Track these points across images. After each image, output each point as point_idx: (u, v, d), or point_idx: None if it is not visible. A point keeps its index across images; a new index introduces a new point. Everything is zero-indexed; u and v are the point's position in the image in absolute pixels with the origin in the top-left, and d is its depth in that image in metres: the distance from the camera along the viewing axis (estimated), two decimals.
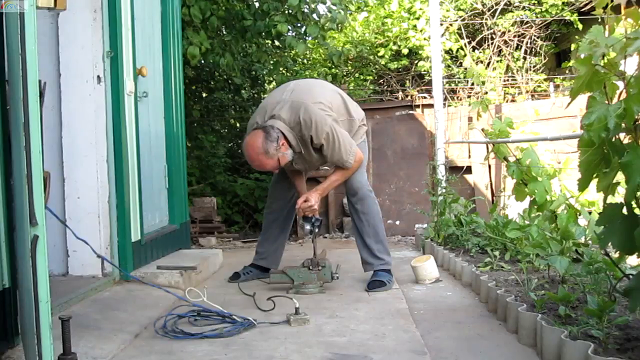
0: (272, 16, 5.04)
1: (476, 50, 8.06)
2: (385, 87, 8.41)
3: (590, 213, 2.75)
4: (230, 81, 6.48)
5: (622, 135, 1.58)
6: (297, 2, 4.89)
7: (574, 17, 7.70)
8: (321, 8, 5.48)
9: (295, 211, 3.23)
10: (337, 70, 8.30)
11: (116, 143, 2.89)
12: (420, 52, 7.97)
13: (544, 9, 7.93)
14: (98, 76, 2.83)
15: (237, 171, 6.76)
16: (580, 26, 7.56)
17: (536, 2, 7.98)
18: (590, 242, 2.52)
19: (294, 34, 5.34)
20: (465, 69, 7.68)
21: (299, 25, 5.38)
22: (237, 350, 2.03)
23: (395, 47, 8.18)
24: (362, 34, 8.56)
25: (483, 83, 6.54)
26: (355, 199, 3.05)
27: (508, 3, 7.94)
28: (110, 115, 2.88)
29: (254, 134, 2.81)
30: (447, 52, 7.88)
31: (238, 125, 7.35)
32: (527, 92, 7.75)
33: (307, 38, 5.62)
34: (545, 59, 8.09)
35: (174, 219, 3.82)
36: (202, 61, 5.26)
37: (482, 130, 3.55)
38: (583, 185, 1.69)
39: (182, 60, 4.16)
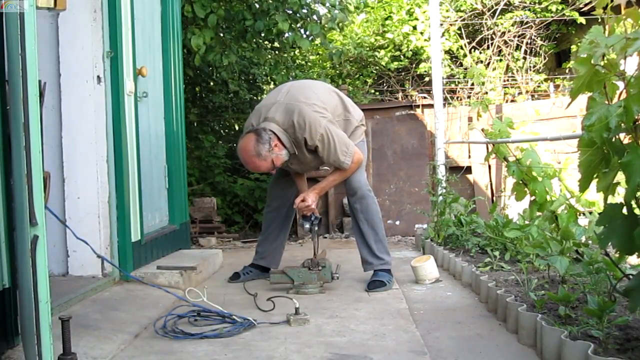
0: (272, 15, 5.05)
1: (476, 51, 8.06)
2: (385, 87, 8.40)
3: (590, 213, 2.75)
4: (227, 83, 6.48)
5: (622, 135, 1.58)
6: (298, 1, 4.90)
7: (574, 14, 7.69)
8: (321, 10, 5.49)
9: (294, 210, 3.24)
10: (335, 71, 8.28)
11: (116, 143, 2.89)
12: (420, 53, 7.97)
13: (543, 7, 7.92)
14: (98, 76, 2.83)
15: (237, 171, 6.75)
16: (583, 21, 7.54)
17: (536, 2, 7.97)
18: (590, 242, 2.52)
19: (293, 33, 5.34)
20: (466, 69, 7.67)
21: (298, 25, 5.39)
22: (237, 350, 2.03)
23: (397, 52, 8.18)
24: (362, 35, 8.55)
25: (483, 83, 6.54)
26: (354, 199, 3.05)
27: (508, 3, 7.94)
28: (110, 115, 2.88)
29: (246, 137, 2.83)
30: (447, 52, 7.88)
31: (237, 126, 7.35)
32: (527, 92, 7.75)
33: (310, 37, 5.62)
34: (545, 59, 8.09)
35: (174, 219, 3.82)
36: (202, 61, 5.23)
37: (482, 130, 3.55)
38: (584, 185, 1.69)
39: (182, 60, 4.16)
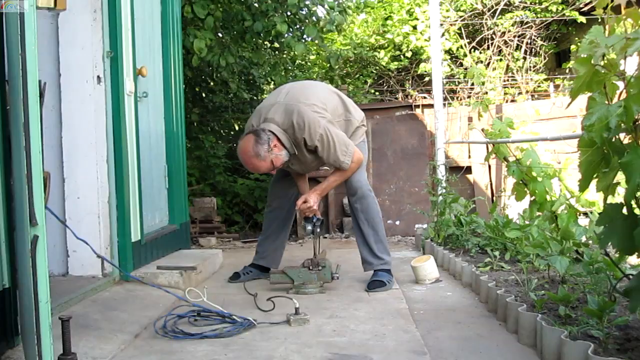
0: (271, 17, 5.05)
1: (476, 51, 8.06)
2: (385, 87, 8.41)
3: (590, 213, 2.75)
4: (227, 83, 6.49)
5: (622, 135, 1.58)
6: (296, 1, 4.90)
7: (574, 14, 7.69)
8: (320, 11, 5.49)
9: (295, 210, 3.24)
10: (334, 74, 8.28)
11: (116, 143, 2.89)
12: (420, 53, 7.97)
13: (544, 7, 7.92)
14: (98, 76, 2.83)
15: (237, 171, 6.76)
16: (583, 21, 7.54)
17: (536, 2, 7.98)
18: (590, 242, 2.52)
19: (291, 34, 5.34)
20: (466, 69, 7.67)
21: (297, 27, 5.39)
22: (237, 350, 2.03)
23: (397, 52, 8.18)
24: (362, 36, 8.55)
25: (483, 83, 6.54)
26: (354, 199, 3.05)
27: (508, 3, 7.94)
28: (110, 115, 2.88)
29: (246, 138, 2.84)
30: (447, 52, 7.88)
31: (237, 126, 7.36)
32: (527, 92, 7.75)
33: (306, 39, 5.62)
34: (545, 59, 8.09)
35: (174, 219, 3.82)
36: (201, 61, 5.24)
37: (482, 130, 3.55)
38: (584, 185, 1.69)
39: (182, 60, 4.16)
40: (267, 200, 3.38)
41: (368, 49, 8.35)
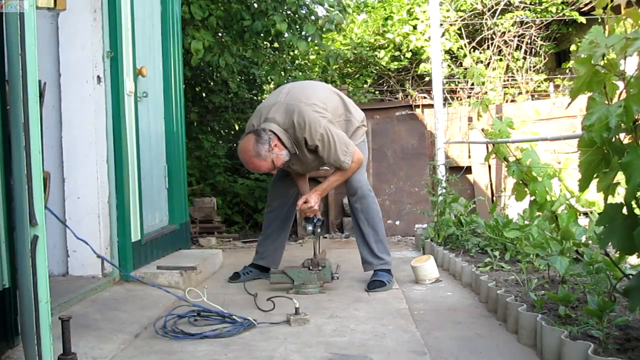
0: (270, 16, 5.05)
1: (476, 51, 8.06)
2: (385, 87, 8.40)
3: (590, 213, 2.75)
4: (227, 83, 6.49)
5: (622, 135, 1.58)
6: (296, 1, 4.90)
7: (574, 14, 7.69)
8: (320, 11, 5.49)
9: (295, 210, 3.24)
10: (327, 75, 8.26)
11: (116, 143, 2.89)
12: (420, 53, 7.97)
13: (543, 8, 7.92)
14: (98, 76, 2.83)
15: (237, 171, 6.76)
16: (583, 21, 7.54)
17: (536, 2, 7.97)
18: (590, 242, 2.52)
19: (291, 33, 5.34)
20: (466, 69, 7.67)
21: (297, 26, 5.39)
22: (237, 350, 2.03)
23: (397, 52, 8.18)
24: (362, 36, 8.55)
25: (483, 83, 6.53)
26: (354, 198, 3.06)
27: (508, 3, 7.94)
28: (110, 115, 2.88)
29: (246, 138, 2.84)
30: (447, 52, 7.88)
31: (237, 126, 7.36)
32: (527, 92, 7.75)
33: (307, 37, 5.62)
34: (545, 59, 8.09)
35: (174, 219, 3.82)
36: (201, 61, 5.24)
37: (482, 130, 3.55)
38: (584, 185, 1.69)
39: (182, 60, 4.16)
40: (267, 200, 3.38)
41: (368, 49, 8.34)
